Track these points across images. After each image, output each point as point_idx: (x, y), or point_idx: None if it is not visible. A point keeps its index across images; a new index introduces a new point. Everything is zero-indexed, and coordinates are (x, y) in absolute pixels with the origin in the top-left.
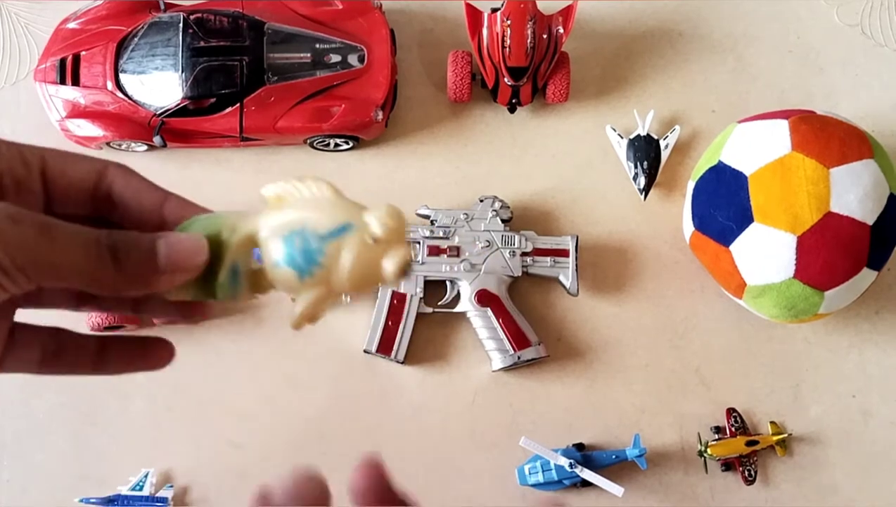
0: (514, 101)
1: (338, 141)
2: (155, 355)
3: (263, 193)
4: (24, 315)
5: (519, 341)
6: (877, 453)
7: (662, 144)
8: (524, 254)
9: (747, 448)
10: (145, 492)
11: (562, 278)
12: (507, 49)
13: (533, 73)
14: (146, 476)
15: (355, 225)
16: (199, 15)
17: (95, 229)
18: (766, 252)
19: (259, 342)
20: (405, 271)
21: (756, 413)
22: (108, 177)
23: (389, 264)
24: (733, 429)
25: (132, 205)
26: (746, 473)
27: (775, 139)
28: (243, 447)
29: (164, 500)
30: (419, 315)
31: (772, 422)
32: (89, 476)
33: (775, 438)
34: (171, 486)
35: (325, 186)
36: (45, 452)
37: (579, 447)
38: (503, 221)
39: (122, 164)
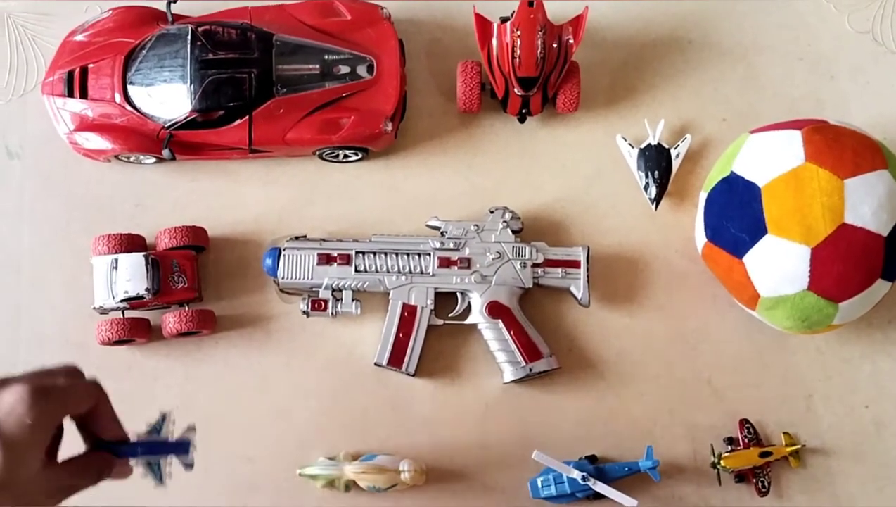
0: (523, 111)
1: (347, 152)
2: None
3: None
4: None
5: (530, 352)
6: (890, 463)
7: (673, 153)
8: (535, 265)
9: (761, 460)
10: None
11: (573, 289)
12: (517, 59)
13: (543, 83)
14: (163, 420)
15: (398, 483)
16: (208, 27)
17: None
18: (780, 264)
19: (269, 356)
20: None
21: (769, 424)
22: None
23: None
24: (746, 440)
25: None
26: (760, 484)
27: (788, 150)
28: (254, 460)
29: (187, 443)
30: (430, 327)
31: (785, 433)
32: (99, 492)
33: (789, 449)
34: (194, 429)
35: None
36: None
37: (592, 459)
38: (514, 232)
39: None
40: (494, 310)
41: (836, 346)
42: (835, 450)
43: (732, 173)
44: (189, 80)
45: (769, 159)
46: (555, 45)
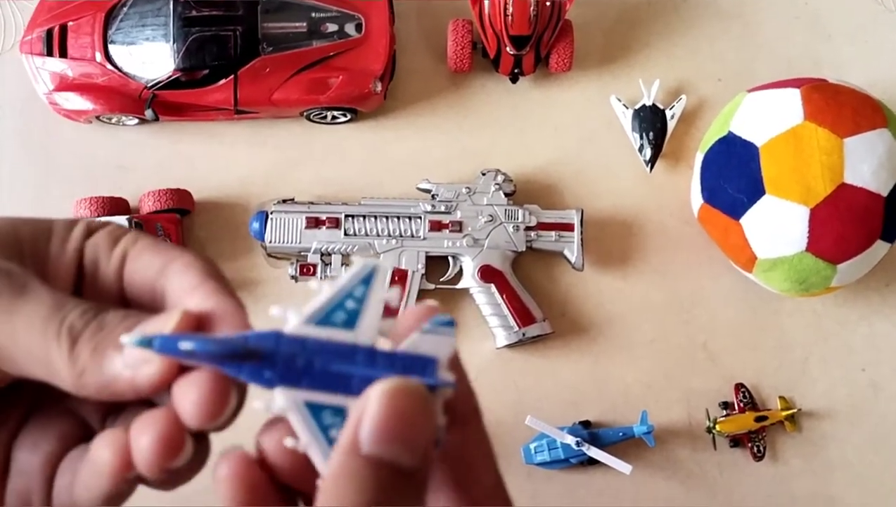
0: (516, 70)
1: (335, 113)
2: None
3: None
4: None
5: (523, 317)
6: (887, 427)
7: (668, 114)
8: (528, 228)
9: (756, 424)
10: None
11: (566, 252)
12: (510, 17)
13: (536, 41)
14: (371, 274)
15: None
16: None
17: (69, 301)
18: (778, 225)
19: (256, 322)
20: None
21: (764, 388)
22: (168, 274)
23: None
24: (742, 405)
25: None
26: (755, 449)
27: (787, 109)
28: (240, 430)
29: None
30: (421, 292)
31: (781, 397)
32: None
33: (784, 413)
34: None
35: None
36: None
37: (586, 424)
38: (506, 194)
39: (193, 257)
40: (487, 274)
41: (832, 309)
42: (831, 414)
43: (730, 133)
44: (172, 39)
45: (767, 118)
46: (548, 3)
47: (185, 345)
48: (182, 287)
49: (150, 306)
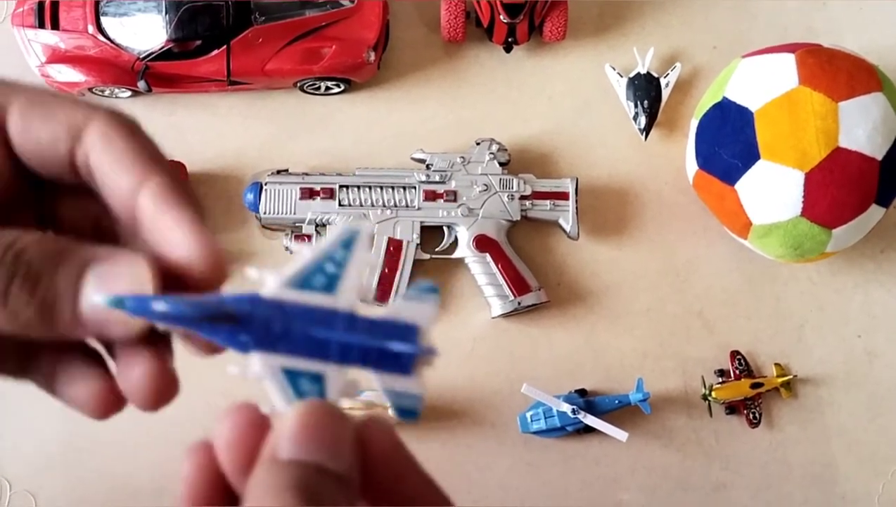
0: (510, 39)
1: (329, 84)
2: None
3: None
4: None
5: (519, 286)
6: (882, 393)
7: (663, 82)
8: (523, 197)
9: (752, 391)
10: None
11: (561, 221)
12: None
13: (529, 9)
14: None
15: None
16: None
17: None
18: (773, 190)
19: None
20: None
21: (760, 355)
22: (86, 142)
23: None
24: (737, 372)
25: (106, 186)
26: (751, 416)
27: (782, 73)
28: (238, 396)
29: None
30: (416, 262)
31: (776, 364)
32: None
33: (780, 380)
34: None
35: None
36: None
37: (582, 392)
38: (501, 164)
39: (109, 119)
40: (482, 243)
41: (827, 276)
42: (826, 381)
43: (724, 99)
44: (164, 9)
45: (762, 83)
46: None
47: (160, 306)
48: (127, 185)
49: (59, 166)
